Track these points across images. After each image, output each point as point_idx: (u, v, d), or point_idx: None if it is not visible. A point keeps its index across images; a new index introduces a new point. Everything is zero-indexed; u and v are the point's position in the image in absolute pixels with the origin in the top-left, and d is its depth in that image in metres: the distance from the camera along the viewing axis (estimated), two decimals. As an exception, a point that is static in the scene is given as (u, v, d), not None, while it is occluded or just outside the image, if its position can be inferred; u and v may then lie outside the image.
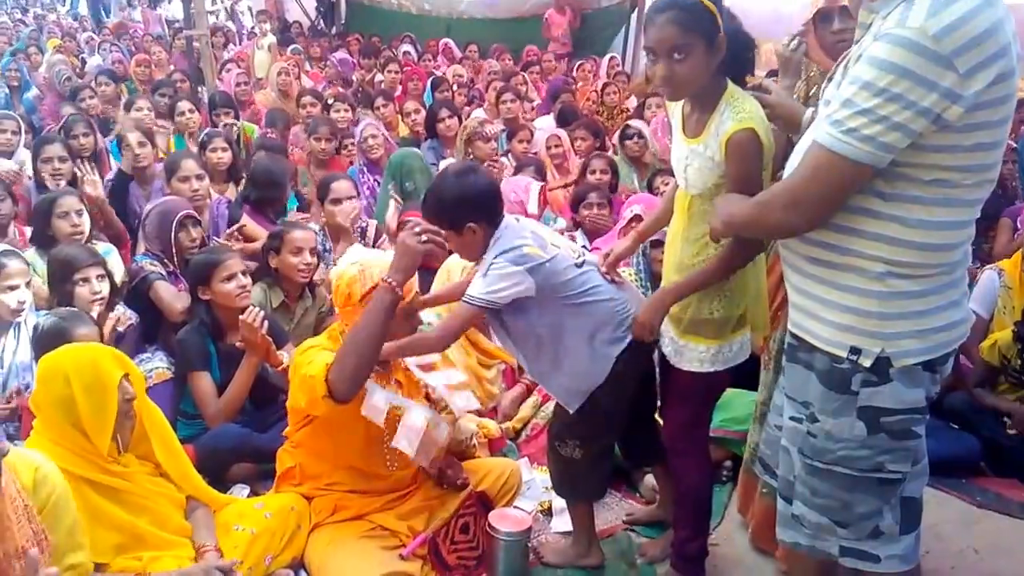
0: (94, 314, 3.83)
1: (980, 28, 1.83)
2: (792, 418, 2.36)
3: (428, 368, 3.40)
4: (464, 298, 2.86)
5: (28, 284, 3.85)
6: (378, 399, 3.13)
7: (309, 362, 2.95)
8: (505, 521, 3.19)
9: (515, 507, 3.40)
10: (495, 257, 2.84)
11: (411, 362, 3.34)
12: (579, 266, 2.95)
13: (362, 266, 3.08)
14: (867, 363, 2.11)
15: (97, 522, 2.69)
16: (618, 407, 3.03)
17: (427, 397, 3.35)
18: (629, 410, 3.09)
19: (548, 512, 3.60)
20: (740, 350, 2.88)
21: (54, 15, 18.50)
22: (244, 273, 3.96)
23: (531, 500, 3.61)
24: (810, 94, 3.10)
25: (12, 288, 3.77)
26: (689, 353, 2.89)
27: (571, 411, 3.00)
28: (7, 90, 9.95)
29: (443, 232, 2.84)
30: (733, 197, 2.38)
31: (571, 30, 13.30)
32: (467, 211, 2.86)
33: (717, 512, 3.56)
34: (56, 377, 2.73)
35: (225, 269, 3.88)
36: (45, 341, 3.38)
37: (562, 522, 3.51)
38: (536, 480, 3.74)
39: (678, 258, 2.84)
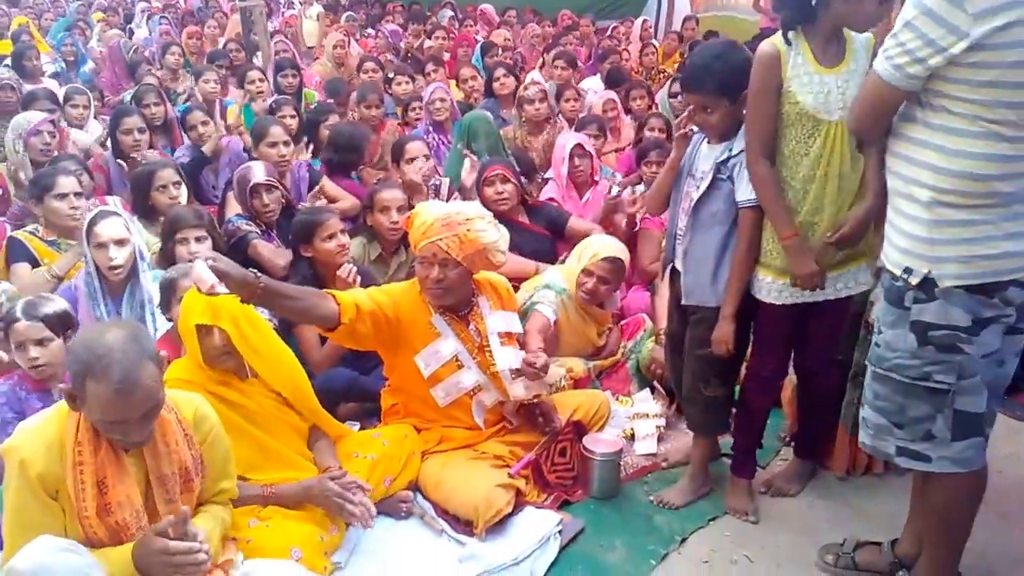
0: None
1: None
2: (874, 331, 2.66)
3: (507, 340, 3.68)
4: (747, 203, 3.09)
5: (120, 244, 3.94)
6: (445, 347, 3.51)
7: None
8: (599, 444, 3.57)
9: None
10: None
11: (492, 330, 3.63)
12: None
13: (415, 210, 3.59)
14: (914, 282, 2.40)
15: (233, 437, 2.97)
16: (743, 343, 3.34)
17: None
18: None
19: (630, 438, 3.91)
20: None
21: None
22: (343, 232, 4.23)
23: (616, 428, 3.93)
24: None
25: (102, 246, 3.91)
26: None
27: (711, 304, 3.25)
28: (64, 64, 10.09)
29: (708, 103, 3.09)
30: None
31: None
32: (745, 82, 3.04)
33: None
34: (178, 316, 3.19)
35: (326, 229, 4.14)
36: (161, 292, 3.72)
37: (644, 446, 3.85)
38: (619, 411, 4.07)
39: (844, 197, 3.01)
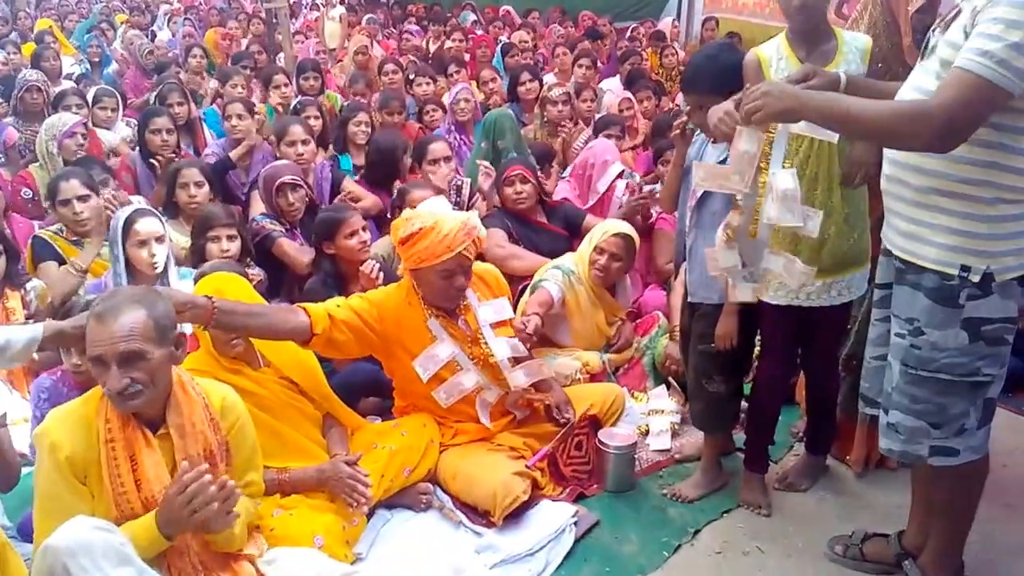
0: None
1: None
2: (897, 334, 2.61)
3: (500, 329, 3.70)
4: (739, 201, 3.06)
5: (159, 240, 4.02)
6: (442, 351, 3.52)
7: None
8: (614, 437, 3.64)
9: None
10: None
11: (483, 321, 3.64)
12: None
13: (415, 213, 3.50)
14: (975, 279, 2.41)
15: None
16: (749, 340, 3.41)
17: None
18: None
19: (645, 434, 3.98)
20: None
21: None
22: (364, 229, 4.31)
23: (631, 424, 3.98)
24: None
25: (143, 244, 3.98)
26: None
27: (712, 302, 3.32)
28: (88, 65, 10.09)
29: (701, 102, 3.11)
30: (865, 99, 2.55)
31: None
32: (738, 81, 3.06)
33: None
34: None
35: (348, 226, 4.24)
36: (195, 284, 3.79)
37: (659, 442, 3.92)
38: (634, 407, 4.13)
39: (834, 200, 3.08)
